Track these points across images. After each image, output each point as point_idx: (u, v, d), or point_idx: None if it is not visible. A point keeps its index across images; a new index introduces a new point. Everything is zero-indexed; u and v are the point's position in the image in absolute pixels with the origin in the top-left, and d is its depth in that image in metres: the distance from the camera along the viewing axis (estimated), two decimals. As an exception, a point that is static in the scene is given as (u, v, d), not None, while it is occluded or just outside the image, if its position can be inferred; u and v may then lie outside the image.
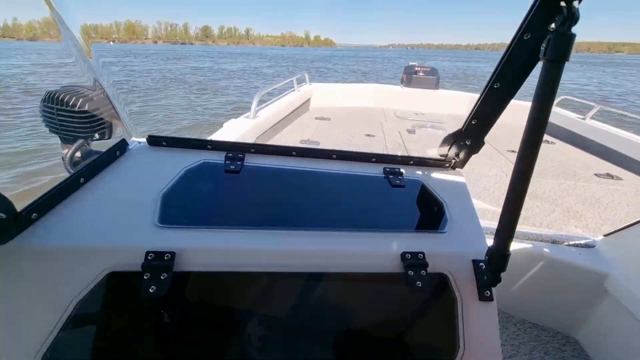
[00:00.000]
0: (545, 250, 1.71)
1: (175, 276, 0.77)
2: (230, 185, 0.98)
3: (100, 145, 0.93)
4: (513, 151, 4.05)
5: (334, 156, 1.10)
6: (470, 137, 1.04)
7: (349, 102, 6.41)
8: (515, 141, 4.49)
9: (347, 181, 1.07)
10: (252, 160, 1.03)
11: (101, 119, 0.90)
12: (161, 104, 11.47)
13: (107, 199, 0.85)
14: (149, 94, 13.45)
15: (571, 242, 1.77)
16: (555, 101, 5.26)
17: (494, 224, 1.91)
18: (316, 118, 5.26)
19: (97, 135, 0.90)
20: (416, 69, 6.65)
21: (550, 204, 2.59)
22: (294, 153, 1.08)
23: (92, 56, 0.88)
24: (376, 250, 0.89)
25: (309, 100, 5.97)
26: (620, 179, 3.25)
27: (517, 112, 5.85)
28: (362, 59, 63.86)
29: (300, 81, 5.92)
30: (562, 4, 0.62)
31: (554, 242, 1.77)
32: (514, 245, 1.70)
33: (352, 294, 0.90)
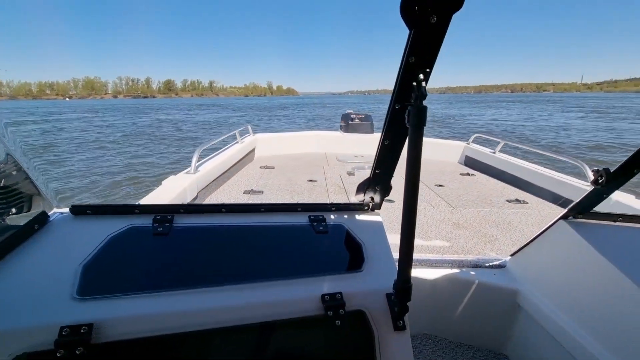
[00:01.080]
0: (469, 274, 1.84)
1: (94, 349, 0.74)
2: (158, 248, 0.97)
3: (20, 219, 0.91)
4: (440, 185, 4.46)
5: (262, 209, 1.14)
6: (378, 183, 1.16)
7: (293, 150, 6.74)
8: (442, 176, 4.96)
9: (275, 232, 1.10)
10: (181, 221, 1.04)
11: (19, 192, 0.90)
12: (96, 163, 11.04)
13: (21, 277, 0.81)
14: (83, 154, 12.87)
15: (487, 264, 1.92)
16: (470, 139, 5.99)
17: (418, 255, 2.09)
18: (261, 167, 5.38)
19: (14, 210, 0.89)
20: (352, 116, 7.29)
21: (471, 231, 2.90)
22: (223, 210, 1.11)
23: None
24: (300, 296, 0.93)
25: (253, 150, 6.16)
26: (527, 203, 3.72)
27: (445, 149, 6.45)
28: (326, 105, 67.30)
29: (244, 133, 6.18)
30: (414, 84, 0.77)
31: (475, 266, 1.91)
32: (443, 273, 1.86)
33: (280, 341, 0.91)
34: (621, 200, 2.77)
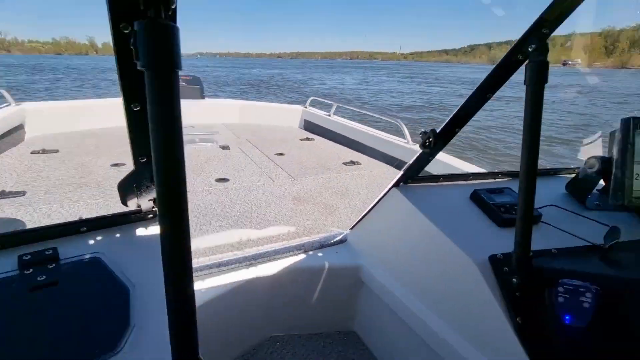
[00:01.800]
0: (312, 258, 1.69)
1: None
2: None
3: None
4: (281, 154, 4.16)
5: None
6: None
7: (91, 124, 4.94)
8: (283, 144, 4.67)
9: None
10: None
11: None
12: None
13: None
14: None
15: (331, 242, 1.79)
16: (307, 102, 6.04)
17: (255, 250, 1.60)
18: (32, 153, 3.77)
19: None
20: None
21: (312, 203, 2.70)
22: None
23: None
24: None
25: (21, 128, 4.28)
26: (360, 164, 3.85)
27: (284, 114, 6.18)
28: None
29: None
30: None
31: (319, 247, 1.76)
32: (285, 264, 1.61)
33: None
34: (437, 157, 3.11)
